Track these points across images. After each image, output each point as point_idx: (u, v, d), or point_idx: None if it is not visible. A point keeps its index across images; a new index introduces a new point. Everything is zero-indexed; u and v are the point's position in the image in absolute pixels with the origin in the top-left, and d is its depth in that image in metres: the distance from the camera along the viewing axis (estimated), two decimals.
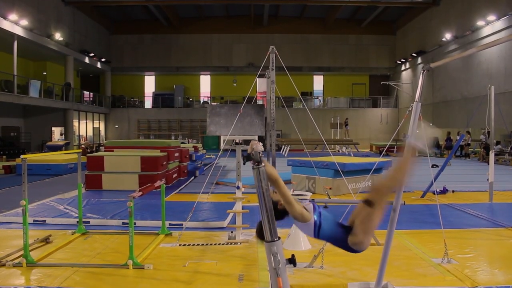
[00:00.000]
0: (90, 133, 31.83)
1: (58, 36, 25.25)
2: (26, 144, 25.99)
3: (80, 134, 30.12)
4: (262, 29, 35.06)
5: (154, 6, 30.05)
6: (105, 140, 32.06)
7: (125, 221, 6.50)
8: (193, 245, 5.50)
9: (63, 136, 27.97)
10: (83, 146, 25.22)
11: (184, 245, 5.49)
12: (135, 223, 5.61)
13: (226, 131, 5.98)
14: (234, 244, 5.55)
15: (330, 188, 9.25)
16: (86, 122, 31.21)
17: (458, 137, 22.26)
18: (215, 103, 33.85)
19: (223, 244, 5.56)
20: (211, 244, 5.54)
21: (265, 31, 34.97)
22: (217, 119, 5.97)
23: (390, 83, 33.91)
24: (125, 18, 34.58)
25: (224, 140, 5.97)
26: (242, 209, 5.87)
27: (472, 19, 23.19)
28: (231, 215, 6.80)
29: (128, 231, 4.73)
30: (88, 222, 6.72)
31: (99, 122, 33.63)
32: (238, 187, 5.76)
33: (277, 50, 5.74)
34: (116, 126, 34.66)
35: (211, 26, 35.12)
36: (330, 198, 8.83)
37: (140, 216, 6.93)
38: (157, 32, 35.18)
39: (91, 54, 30.43)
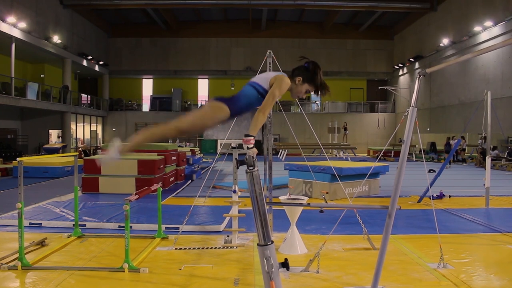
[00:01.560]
0: (87, 136, 31.79)
1: (56, 38, 25.25)
2: (23, 147, 25.94)
3: (78, 137, 30.08)
4: (260, 33, 35.13)
5: (152, 10, 30.11)
6: (103, 143, 32.01)
7: (121, 224, 6.49)
8: (189, 248, 5.50)
9: (61, 139, 27.93)
10: (80, 149, 25.17)
11: (180, 248, 5.48)
12: (131, 227, 5.60)
13: (223, 135, 5.99)
14: (230, 248, 5.55)
15: (326, 193, 9.25)
16: (84, 125, 31.16)
17: (452, 141, 22.47)
18: None
19: (219, 248, 5.55)
20: (207, 248, 5.53)
21: (263, 35, 35.04)
22: None
23: (387, 88, 34.00)
24: (124, 21, 34.62)
25: (221, 144, 5.97)
26: (239, 213, 5.86)
27: (469, 25, 23.31)
28: (227, 219, 6.80)
29: (124, 234, 4.72)
30: (84, 225, 6.70)
31: (96, 125, 33.60)
32: (234, 191, 5.75)
33: (274, 54, 5.75)
34: (114, 129, 34.63)
35: (209, 29, 35.17)
36: (326, 202, 8.84)
37: (136, 219, 6.91)
38: (155, 36, 35.22)
39: (89, 57, 30.43)
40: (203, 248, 5.54)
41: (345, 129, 30.50)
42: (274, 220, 6.06)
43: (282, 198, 5.52)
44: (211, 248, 5.54)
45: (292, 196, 5.62)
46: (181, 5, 28.36)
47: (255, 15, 32.51)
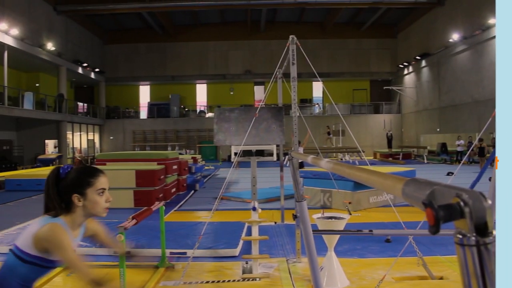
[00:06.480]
0: (84, 145, 30.75)
1: (50, 45, 24.28)
2: (19, 158, 24.90)
3: (75, 146, 29.02)
4: (259, 35, 34.17)
5: (148, 14, 29.14)
6: (100, 152, 30.96)
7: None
8: (201, 282, 4.44)
9: (57, 148, 26.89)
10: (78, 158, 24.16)
11: (190, 283, 4.43)
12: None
13: (237, 140, 4.96)
14: (252, 280, 4.48)
15: (349, 203, 8.25)
16: (81, 134, 30.15)
17: (457, 142, 21.63)
18: (211, 113, 32.83)
19: (238, 280, 4.49)
20: (223, 281, 4.46)
21: (262, 37, 34.07)
22: (226, 125, 4.94)
23: (393, 87, 32.99)
24: (119, 27, 33.66)
25: (238, 151, 4.90)
26: (259, 234, 4.82)
27: (482, 17, 22.07)
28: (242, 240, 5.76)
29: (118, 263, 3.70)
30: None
31: (93, 134, 32.57)
32: (254, 208, 4.72)
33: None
34: (111, 137, 33.59)
35: (207, 33, 34.22)
36: (350, 213, 7.83)
37: (134, 242, 5.87)
38: (151, 41, 34.27)
39: (85, 64, 29.47)
40: (218, 281, 4.47)
41: (329, 133, 28.11)
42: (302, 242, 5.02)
43: (316, 218, 4.40)
44: (229, 281, 4.48)
45: (327, 214, 4.51)
46: (177, 7, 27.34)
47: (253, 16, 31.57)
